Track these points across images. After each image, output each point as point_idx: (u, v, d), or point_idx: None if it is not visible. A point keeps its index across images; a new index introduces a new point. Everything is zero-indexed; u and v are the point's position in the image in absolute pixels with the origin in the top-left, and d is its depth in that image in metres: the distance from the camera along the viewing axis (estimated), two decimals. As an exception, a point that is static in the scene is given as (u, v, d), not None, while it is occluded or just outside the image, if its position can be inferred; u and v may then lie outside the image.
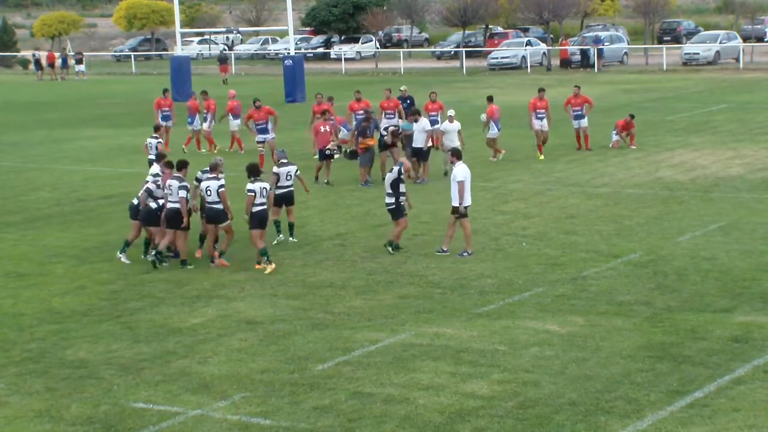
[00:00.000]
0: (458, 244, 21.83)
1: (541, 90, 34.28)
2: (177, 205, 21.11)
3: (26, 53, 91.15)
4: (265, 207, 21.18)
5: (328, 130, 30.18)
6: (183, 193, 21.08)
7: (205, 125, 37.13)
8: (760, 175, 29.40)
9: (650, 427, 13.09)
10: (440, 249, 21.84)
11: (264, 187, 21.15)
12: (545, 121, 33.70)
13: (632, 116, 35.48)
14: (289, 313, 18.27)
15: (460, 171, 21.53)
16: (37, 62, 78.92)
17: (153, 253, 21.63)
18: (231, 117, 36.80)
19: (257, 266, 21.16)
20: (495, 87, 57.49)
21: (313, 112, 34.02)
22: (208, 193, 21.11)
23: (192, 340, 17.03)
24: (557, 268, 20.48)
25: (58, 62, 79.30)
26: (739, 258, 20.72)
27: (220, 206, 21.07)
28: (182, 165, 21.64)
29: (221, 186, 21.05)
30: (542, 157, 33.10)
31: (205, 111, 37.22)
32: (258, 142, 33.47)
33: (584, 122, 34.64)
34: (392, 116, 33.38)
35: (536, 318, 17.47)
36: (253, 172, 21.21)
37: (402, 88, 35.72)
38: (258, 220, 21.02)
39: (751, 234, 22.62)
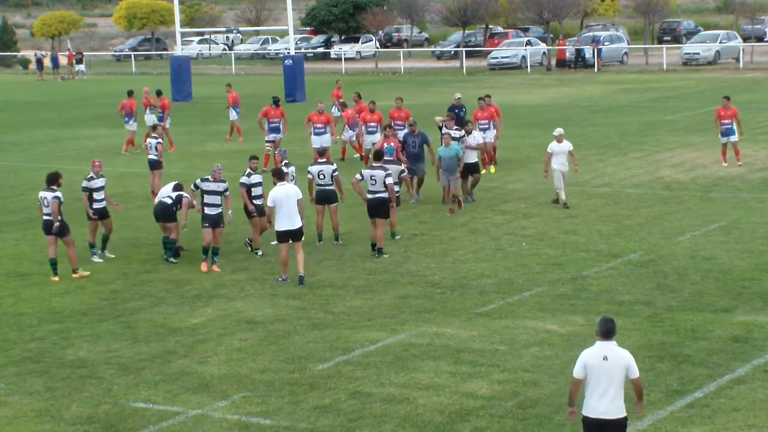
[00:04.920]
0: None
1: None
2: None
3: (28, 53, 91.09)
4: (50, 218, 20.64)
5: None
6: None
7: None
8: (760, 175, 29.38)
9: (650, 427, 13.09)
10: (280, 277, 20.22)
11: (56, 196, 20.46)
12: None
13: (727, 98, 30.86)
14: (289, 313, 18.27)
15: (279, 192, 19.88)
16: (39, 62, 78.85)
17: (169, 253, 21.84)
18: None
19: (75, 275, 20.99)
20: (495, 87, 57.52)
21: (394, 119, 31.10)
22: (322, 176, 22.69)
23: (192, 340, 17.03)
24: (557, 268, 20.48)
25: (49, 62, 79.32)
26: (739, 258, 20.72)
27: (332, 188, 22.78)
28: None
29: (335, 170, 22.77)
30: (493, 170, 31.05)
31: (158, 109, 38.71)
32: (267, 141, 32.98)
33: (489, 135, 30.71)
34: (374, 130, 30.99)
35: (536, 318, 17.47)
36: (53, 181, 20.68)
37: (456, 96, 32.42)
38: (45, 228, 20.65)
39: (751, 234, 22.62)
